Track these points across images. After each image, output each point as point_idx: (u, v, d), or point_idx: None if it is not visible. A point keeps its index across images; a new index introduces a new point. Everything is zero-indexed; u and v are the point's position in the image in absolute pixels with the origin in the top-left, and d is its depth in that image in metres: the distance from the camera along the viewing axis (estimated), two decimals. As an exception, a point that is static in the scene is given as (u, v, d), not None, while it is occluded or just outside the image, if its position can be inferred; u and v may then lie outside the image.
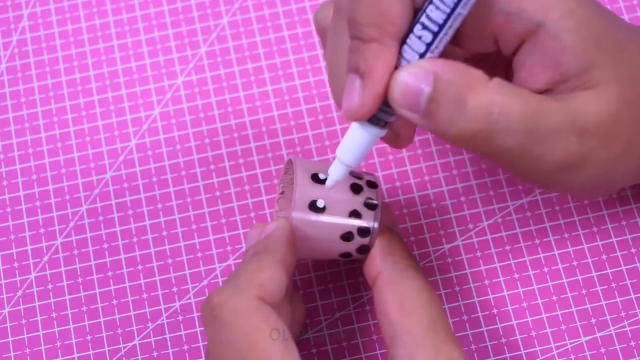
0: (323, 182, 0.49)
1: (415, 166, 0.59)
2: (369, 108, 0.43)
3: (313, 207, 0.48)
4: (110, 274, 0.57)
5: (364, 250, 0.50)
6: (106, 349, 0.56)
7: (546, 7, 0.42)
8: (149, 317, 0.56)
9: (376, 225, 0.50)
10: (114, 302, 0.57)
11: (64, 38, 0.62)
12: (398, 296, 0.48)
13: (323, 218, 0.49)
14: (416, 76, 0.42)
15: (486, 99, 0.41)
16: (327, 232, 0.49)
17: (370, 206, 0.50)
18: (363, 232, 0.50)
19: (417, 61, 0.42)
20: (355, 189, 0.50)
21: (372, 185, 0.50)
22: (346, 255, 0.51)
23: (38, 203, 0.59)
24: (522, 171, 0.44)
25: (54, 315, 0.57)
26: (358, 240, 0.50)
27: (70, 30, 0.63)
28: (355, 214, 0.49)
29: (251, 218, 0.58)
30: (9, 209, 0.59)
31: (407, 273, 0.49)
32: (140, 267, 0.57)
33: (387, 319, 0.48)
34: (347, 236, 0.49)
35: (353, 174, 0.50)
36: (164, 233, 0.58)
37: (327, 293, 0.57)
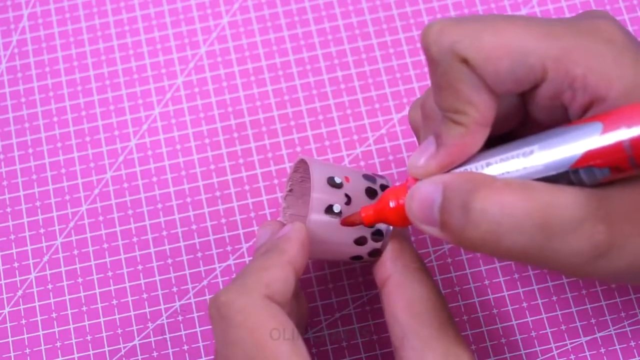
0: (339, 186, 0.49)
1: (415, 166, 0.59)
2: (428, 173, 0.44)
3: (329, 211, 0.48)
4: (110, 274, 0.57)
5: (376, 253, 0.50)
6: (106, 349, 0.56)
7: (608, 81, 0.40)
8: (149, 317, 0.56)
9: (389, 230, 0.50)
10: (114, 302, 0.57)
11: (64, 38, 0.62)
12: (408, 299, 0.48)
13: (339, 223, 0.49)
14: (428, 189, 0.42)
15: (489, 200, 0.40)
16: (341, 236, 0.49)
17: None
18: (376, 236, 0.50)
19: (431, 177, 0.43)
20: (370, 193, 0.50)
21: (386, 189, 0.50)
22: (357, 257, 0.51)
23: (38, 203, 0.59)
24: (548, 266, 0.42)
25: (54, 315, 0.57)
26: (371, 244, 0.50)
27: (70, 30, 0.63)
28: None
29: (251, 218, 0.58)
30: (9, 209, 0.59)
31: (417, 276, 0.49)
32: (140, 267, 0.57)
33: (396, 321, 0.48)
34: (360, 240, 0.49)
35: (367, 177, 0.50)
36: (164, 233, 0.58)
37: (327, 293, 0.57)
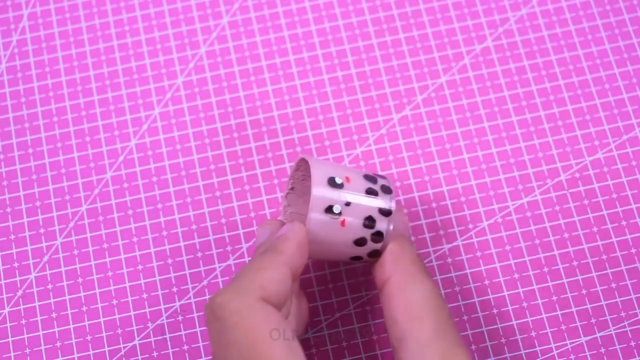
0: (340, 186, 0.49)
1: (415, 166, 0.59)
2: None
3: (329, 211, 0.48)
4: (110, 274, 0.57)
5: (375, 254, 0.50)
6: (106, 349, 0.56)
7: None
8: (149, 317, 0.56)
9: (389, 230, 0.50)
10: (114, 302, 0.57)
11: (64, 38, 0.62)
12: (407, 301, 0.48)
13: (339, 223, 0.49)
14: None
15: None
16: (341, 237, 0.49)
17: (384, 212, 0.50)
18: (376, 237, 0.50)
19: None
20: (371, 194, 0.50)
21: (387, 190, 0.50)
22: (357, 258, 0.51)
23: (38, 203, 0.59)
24: None
25: (54, 315, 0.57)
26: (370, 245, 0.50)
27: (70, 30, 0.63)
28: (370, 219, 0.49)
29: (251, 218, 0.58)
30: (9, 209, 0.59)
31: (417, 278, 0.49)
32: (140, 267, 0.57)
33: (395, 323, 0.48)
34: (360, 241, 0.49)
35: (368, 177, 0.50)
36: (164, 233, 0.58)
37: (327, 293, 0.57)
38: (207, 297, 0.56)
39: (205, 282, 0.57)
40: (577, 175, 0.57)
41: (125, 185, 0.59)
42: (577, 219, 0.57)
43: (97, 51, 0.62)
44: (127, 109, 0.61)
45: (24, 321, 0.56)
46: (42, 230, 0.58)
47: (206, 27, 0.63)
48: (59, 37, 0.63)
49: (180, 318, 0.56)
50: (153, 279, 0.57)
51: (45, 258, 0.58)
